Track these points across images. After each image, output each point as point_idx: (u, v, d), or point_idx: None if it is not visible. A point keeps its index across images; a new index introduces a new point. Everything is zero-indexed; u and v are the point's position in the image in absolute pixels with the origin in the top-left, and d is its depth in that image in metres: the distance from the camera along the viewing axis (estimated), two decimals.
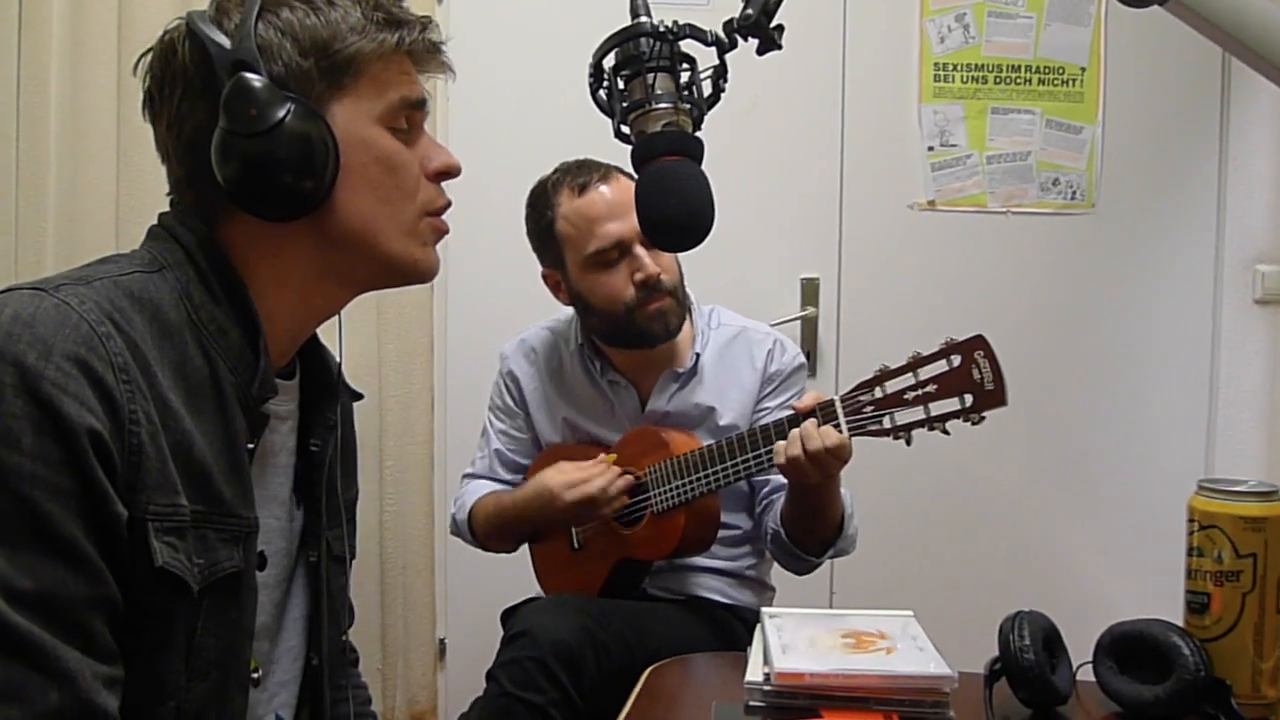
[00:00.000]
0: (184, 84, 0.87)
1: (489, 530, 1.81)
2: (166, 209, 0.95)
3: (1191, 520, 1.04)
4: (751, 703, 1.01)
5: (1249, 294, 2.41)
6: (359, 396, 1.11)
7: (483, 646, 2.45)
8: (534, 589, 2.01)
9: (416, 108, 0.94)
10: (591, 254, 1.67)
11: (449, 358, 2.50)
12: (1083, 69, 2.40)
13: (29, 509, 0.72)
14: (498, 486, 1.86)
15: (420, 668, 2.44)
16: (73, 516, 0.73)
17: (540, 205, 1.74)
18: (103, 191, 2.20)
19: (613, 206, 1.67)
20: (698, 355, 1.77)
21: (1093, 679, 1.06)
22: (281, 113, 0.84)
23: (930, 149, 2.44)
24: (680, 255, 1.74)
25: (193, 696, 0.83)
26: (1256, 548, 0.99)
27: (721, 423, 1.76)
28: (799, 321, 2.46)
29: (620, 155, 1.73)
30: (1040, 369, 2.37)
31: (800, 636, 1.07)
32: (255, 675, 0.95)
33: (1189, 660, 0.97)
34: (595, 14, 2.32)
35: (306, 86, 0.87)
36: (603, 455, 1.70)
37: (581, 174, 1.70)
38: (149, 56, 0.91)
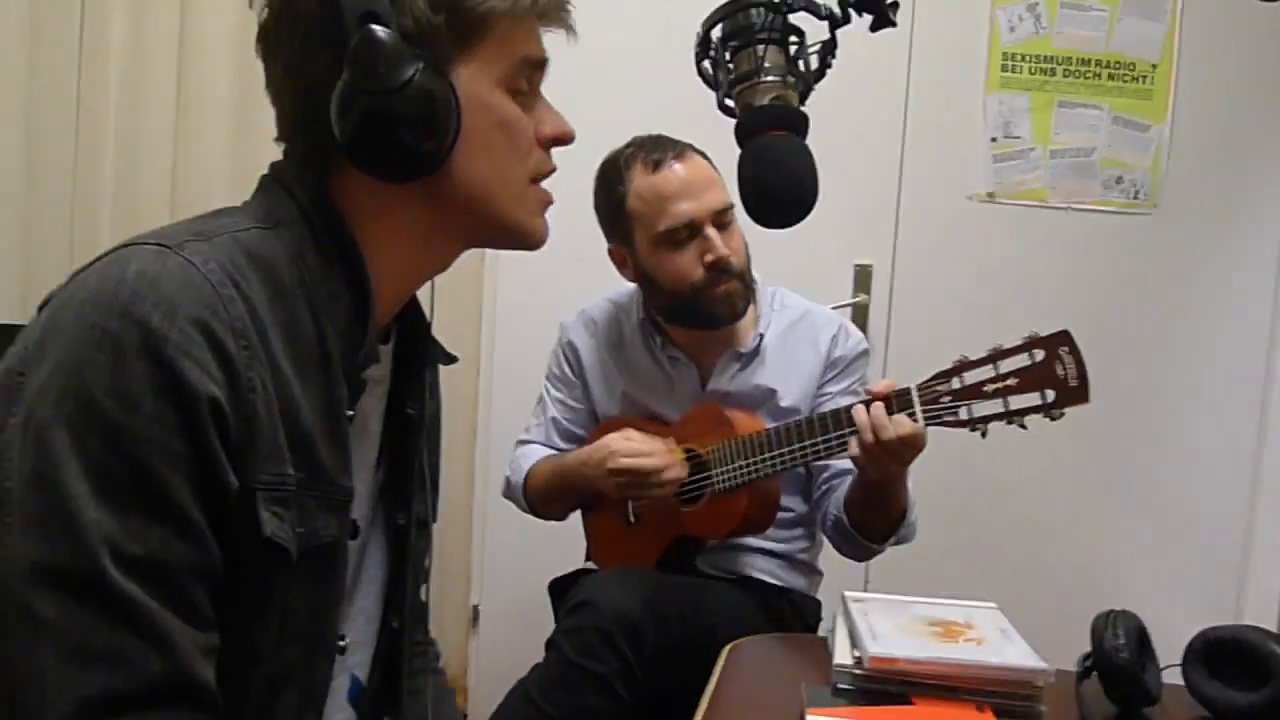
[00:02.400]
0: (306, 26, 0.83)
1: (543, 491, 1.81)
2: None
3: None
4: (840, 685, 1.01)
5: None
6: (454, 360, 1.09)
7: (517, 615, 2.48)
8: (575, 560, 2.01)
9: (538, 68, 0.90)
10: (662, 232, 1.66)
11: (497, 326, 2.50)
12: (1154, 66, 2.37)
13: (144, 473, 0.71)
14: (553, 453, 1.86)
15: (453, 633, 2.46)
16: (185, 483, 0.72)
17: (612, 179, 1.72)
18: (159, 167, 2.20)
19: (687, 185, 1.65)
20: (761, 336, 1.76)
21: (1179, 681, 1.05)
22: (410, 71, 0.80)
23: (993, 140, 2.41)
24: None
25: (282, 663, 0.83)
26: None
27: (783, 405, 1.75)
28: (850, 307, 2.44)
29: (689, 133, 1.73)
30: (1093, 369, 2.34)
31: (887, 623, 1.07)
32: (343, 643, 0.94)
33: None
34: None
35: (434, 43, 0.83)
36: (673, 442, 1.68)
37: (656, 150, 1.68)
38: None
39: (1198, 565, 2.44)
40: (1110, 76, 2.38)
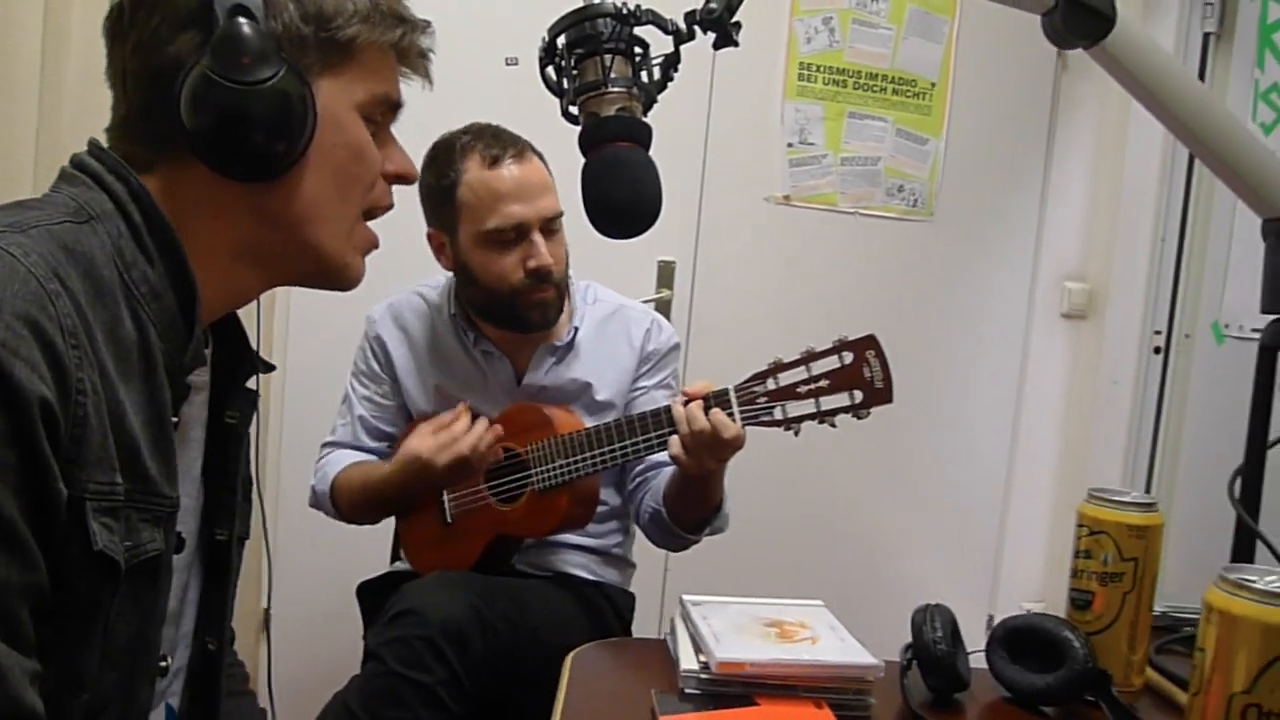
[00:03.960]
0: (169, 8, 0.80)
1: (354, 504, 1.74)
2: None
3: (1081, 525, 1.14)
4: (688, 690, 1.03)
5: (1057, 308, 2.65)
6: (272, 368, 1.05)
7: (309, 618, 2.38)
8: (377, 561, 1.96)
9: (393, 109, 0.91)
10: (489, 230, 1.63)
11: (290, 321, 2.38)
12: (933, 84, 2.55)
13: None
14: (361, 456, 1.80)
15: (243, 638, 2.32)
16: (12, 495, 0.66)
17: (443, 164, 1.67)
18: None
19: (522, 187, 1.63)
20: (575, 330, 1.77)
21: (984, 666, 1.14)
22: (273, 71, 0.79)
23: (790, 145, 2.53)
24: None
25: (103, 687, 0.78)
26: (1138, 553, 1.11)
27: (598, 398, 1.76)
28: (654, 302, 2.49)
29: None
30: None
31: (726, 625, 1.11)
32: (165, 664, 0.90)
33: (1079, 652, 1.07)
34: None
35: (299, 54, 0.82)
36: (461, 406, 1.65)
37: (495, 145, 1.65)
38: None
39: (959, 552, 2.67)
40: (895, 91, 2.54)
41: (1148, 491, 2.48)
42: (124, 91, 0.83)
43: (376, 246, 0.93)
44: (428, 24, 0.92)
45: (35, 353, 0.67)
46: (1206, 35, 2.46)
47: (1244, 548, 1.21)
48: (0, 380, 0.65)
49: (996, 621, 2.65)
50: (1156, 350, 2.52)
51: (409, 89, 0.93)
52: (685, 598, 1.19)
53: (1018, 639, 1.13)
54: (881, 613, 2.49)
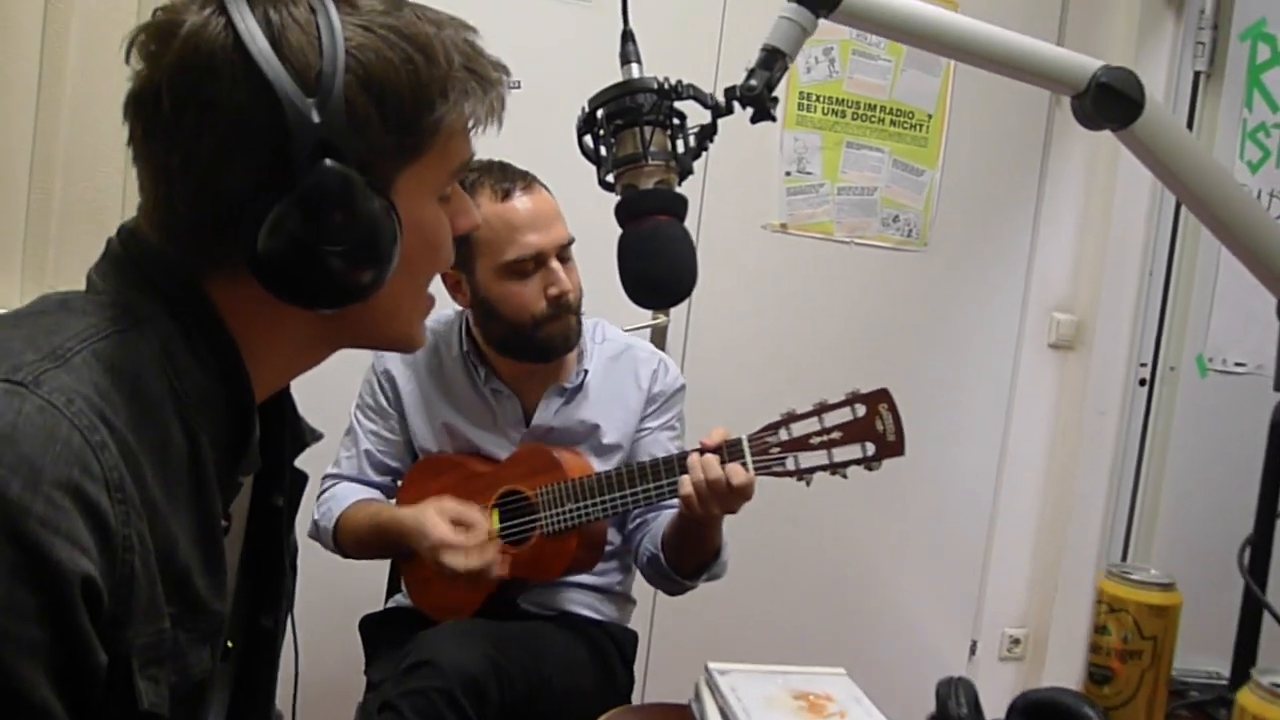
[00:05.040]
0: (228, 129, 0.71)
1: (358, 544, 1.74)
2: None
3: (1100, 602, 1.17)
4: None
5: (1045, 338, 2.69)
6: (320, 436, 1.02)
7: (303, 646, 2.36)
8: (372, 589, 1.96)
9: (467, 166, 0.84)
10: (508, 262, 1.64)
11: None
12: (930, 116, 2.58)
13: None
14: (368, 492, 1.79)
15: None
16: (44, 675, 0.63)
17: None
18: None
19: (536, 216, 1.64)
20: (585, 372, 1.77)
21: None
22: (364, 212, 0.72)
23: (788, 174, 2.54)
24: None
25: None
26: (1158, 631, 1.14)
27: (605, 441, 1.77)
28: (649, 329, 2.49)
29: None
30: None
31: (756, 698, 1.12)
32: None
33: None
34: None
35: (382, 162, 0.75)
36: (490, 528, 1.65)
37: (504, 179, 1.65)
38: (155, 46, 0.72)
39: (944, 578, 2.71)
40: (892, 123, 2.56)
41: (1129, 524, 2.53)
42: (165, 192, 0.74)
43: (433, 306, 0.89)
44: (506, 72, 0.82)
45: (77, 523, 0.63)
46: (1197, 74, 2.51)
47: (1251, 619, 1.24)
48: (37, 560, 0.61)
49: (979, 646, 2.71)
50: (1142, 382, 2.57)
51: None
52: (711, 665, 1.20)
53: (1037, 713, 1.15)
54: (865, 636, 2.52)
